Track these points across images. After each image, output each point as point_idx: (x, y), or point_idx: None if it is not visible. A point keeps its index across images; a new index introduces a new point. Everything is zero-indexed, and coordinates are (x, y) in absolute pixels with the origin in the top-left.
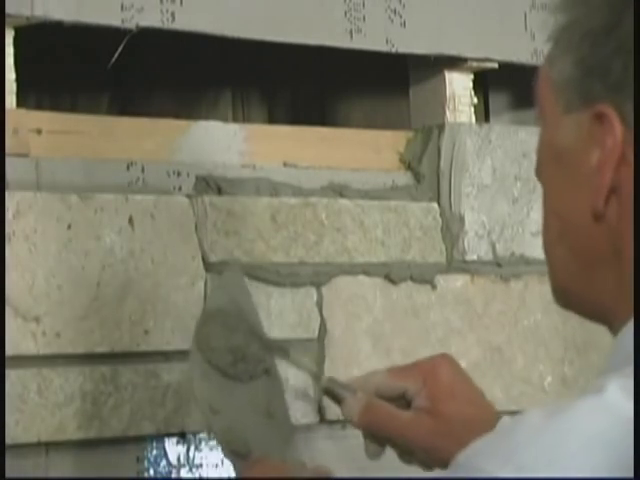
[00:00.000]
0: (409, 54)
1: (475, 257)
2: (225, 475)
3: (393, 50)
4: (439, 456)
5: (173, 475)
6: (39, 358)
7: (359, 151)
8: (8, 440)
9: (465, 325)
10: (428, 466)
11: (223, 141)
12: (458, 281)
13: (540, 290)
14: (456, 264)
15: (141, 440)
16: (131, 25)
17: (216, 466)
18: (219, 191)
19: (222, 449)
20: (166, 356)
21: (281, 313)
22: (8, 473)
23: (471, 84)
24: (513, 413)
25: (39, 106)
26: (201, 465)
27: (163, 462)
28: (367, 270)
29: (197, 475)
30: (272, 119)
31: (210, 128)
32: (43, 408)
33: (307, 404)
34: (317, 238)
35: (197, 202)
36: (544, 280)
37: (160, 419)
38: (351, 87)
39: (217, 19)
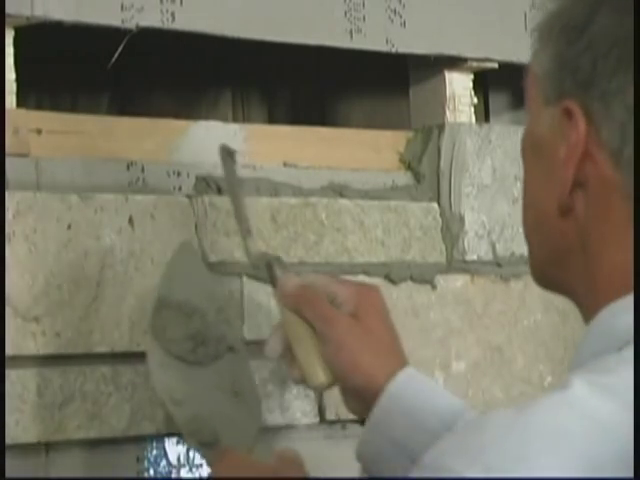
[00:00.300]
0: (409, 54)
1: (475, 257)
2: None
3: (393, 50)
4: (345, 360)
5: (173, 475)
6: (39, 358)
7: (359, 151)
8: (8, 440)
9: (465, 325)
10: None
11: (223, 141)
12: (458, 281)
13: (540, 290)
14: (456, 264)
15: (141, 440)
16: (131, 25)
17: None
18: (219, 191)
19: (187, 441)
20: None
21: None
22: (8, 473)
23: (471, 84)
24: None
25: (39, 106)
26: (201, 465)
27: (163, 462)
28: (367, 270)
29: (197, 475)
30: (272, 119)
31: (210, 128)
32: (43, 408)
33: (307, 404)
34: (317, 238)
35: (197, 202)
36: None
37: (160, 419)
38: (351, 87)
39: (217, 19)
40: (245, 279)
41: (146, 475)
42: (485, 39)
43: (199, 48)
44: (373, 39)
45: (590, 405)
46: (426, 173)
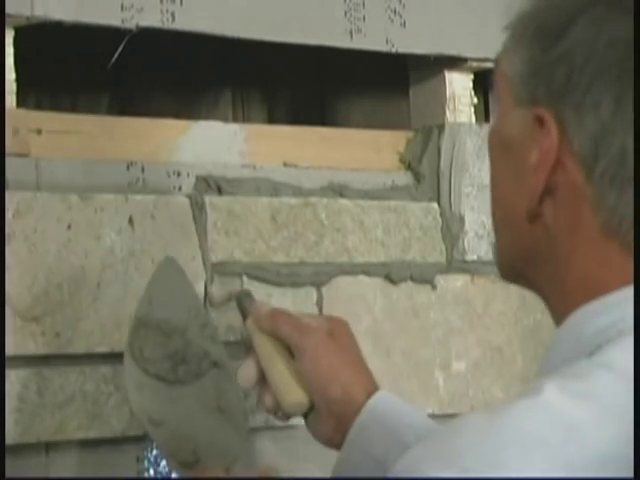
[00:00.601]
0: (409, 54)
1: (475, 257)
2: None
3: (393, 50)
4: (323, 370)
5: (173, 475)
6: (39, 358)
7: (359, 151)
8: (8, 440)
9: (465, 325)
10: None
11: (223, 141)
12: (458, 281)
13: None
14: (456, 264)
15: (141, 440)
16: (131, 25)
17: None
18: (219, 191)
19: (168, 461)
20: None
21: None
22: (8, 473)
23: (471, 84)
24: None
25: (39, 106)
26: None
27: (163, 462)
28: (367, 270)
29: None
30: (272, 119)
31: (210, 128)
32: (43, 408)
33: None
34: (317, 238)
35: (197, 202)
36: None
37: None
38: (351, 87)
39: (217, 19)
40: (245, 279)
41: (146, 475)
42: (485, 39)
43: (199, 48)
44: (373, 39)
45: (562, 410)
46: (426, 173)
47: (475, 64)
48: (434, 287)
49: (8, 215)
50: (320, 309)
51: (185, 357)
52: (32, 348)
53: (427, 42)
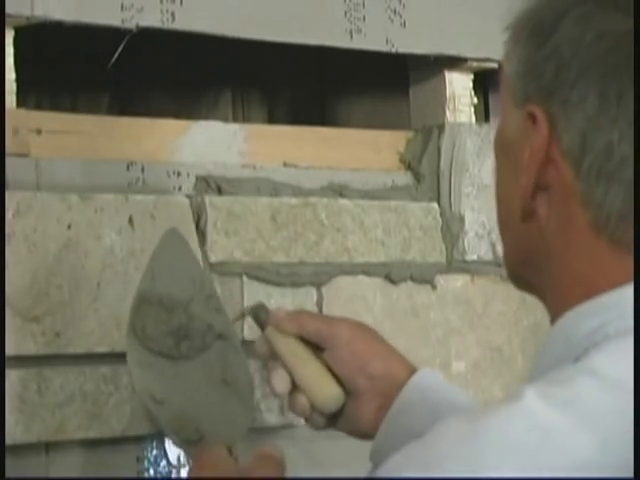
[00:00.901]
0: (409, 54)
1: (475, 257)
2: None
3: (393, 50)
4: (361, 349)
5: (173, 475)
6: (39, 358)
7: (359, 151)
8: (8, 440)
9: (465, 325)
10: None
11: (223, 141)
12: (458, 281)
13: None
14: (456, 264)
15: (141, 440)
16: (131, 25)
17: None
18: (219, 191)
19: (172, 439)
20: None
21: None
22: (8, 473)
23: (471, 84)
24: None
25: (39, 106)
26: None
27: (163, 462)
28: (367, 270)
29: None
30: (272, 119)
31: (210, 128)
32: (43, 408)
33: None
34: (317, 238)
35: (197, 202)
36: None
37: None
38: (351, 87)
39: (217, 19)
40: (245, 279)
41: (146, 475)
42: (485, 39)
43: (199, 48)
44: (373, 39)
45: (539, 417)
46: (426, 173)
47: (475, 64)
48: (434, 287)
49: (8, 215)
50: (320, 309)
51: (188, 332)
52: (32, 348)
53: (427, 42)
